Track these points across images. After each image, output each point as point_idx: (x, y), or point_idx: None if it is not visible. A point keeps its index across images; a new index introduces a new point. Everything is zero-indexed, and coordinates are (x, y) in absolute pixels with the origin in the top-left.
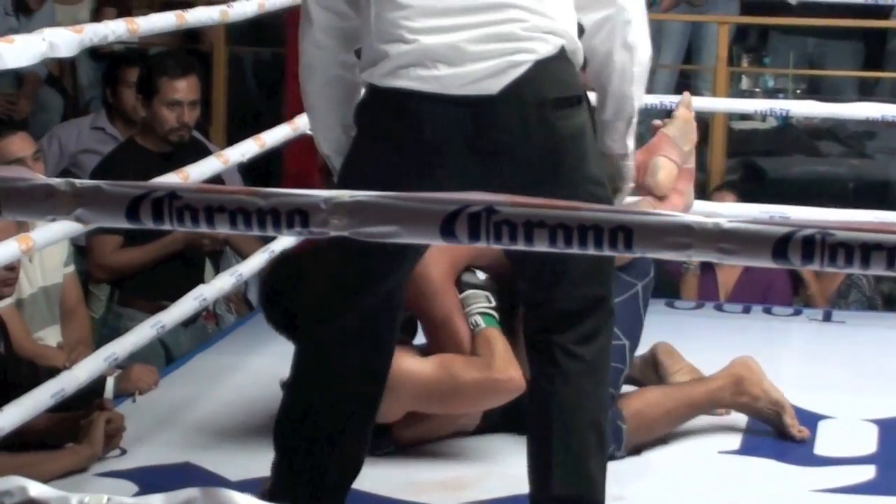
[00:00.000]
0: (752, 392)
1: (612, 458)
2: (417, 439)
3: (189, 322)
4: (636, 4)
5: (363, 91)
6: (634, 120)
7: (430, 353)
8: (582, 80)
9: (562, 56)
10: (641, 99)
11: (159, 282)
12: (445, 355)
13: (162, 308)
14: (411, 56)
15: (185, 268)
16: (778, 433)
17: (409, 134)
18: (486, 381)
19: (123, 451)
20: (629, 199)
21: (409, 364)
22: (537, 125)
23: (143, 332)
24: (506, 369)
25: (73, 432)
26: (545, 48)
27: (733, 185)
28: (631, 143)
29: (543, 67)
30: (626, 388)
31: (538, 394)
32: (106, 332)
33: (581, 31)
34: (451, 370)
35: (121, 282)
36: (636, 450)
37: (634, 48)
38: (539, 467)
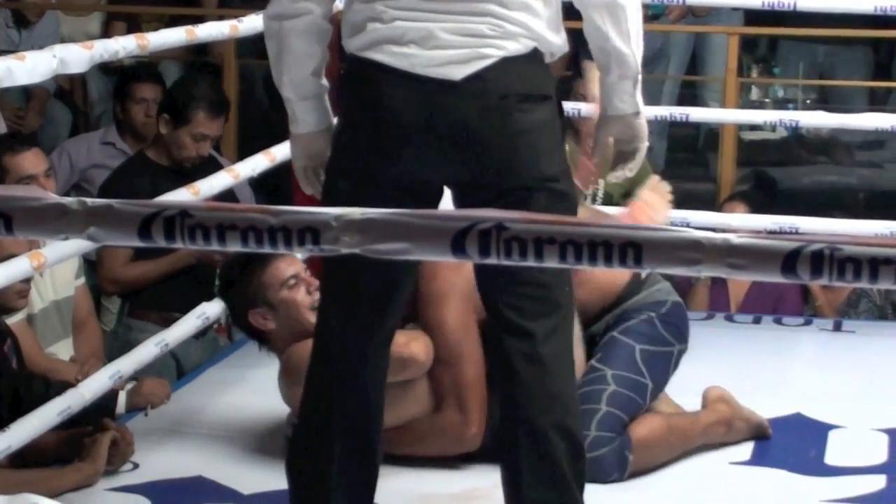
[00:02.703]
0: (738, 427)
1: (615, 481)
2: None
3: (200, 335)
4: None
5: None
6: (639, 78)
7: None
8: (553, 79)
9: (532, 56)
10: (640, 54)
11: (170, 294)
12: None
13: (173, 320)
14: (386, 32)
15: (196, 281)
16: None
17: (379, 105)
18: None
19: (136, 465)
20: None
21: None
22: (495, 116)
23: (147, 350)
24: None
25: (80, 449)
26: (514, 47)
27: (745, 195)
28: (640, 100)
29: (510, 64)
30: None
31: (503, 403)
32: (118, 344)
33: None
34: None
35: (132, 295)
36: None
37: (625, 7)
38: (511, 475)
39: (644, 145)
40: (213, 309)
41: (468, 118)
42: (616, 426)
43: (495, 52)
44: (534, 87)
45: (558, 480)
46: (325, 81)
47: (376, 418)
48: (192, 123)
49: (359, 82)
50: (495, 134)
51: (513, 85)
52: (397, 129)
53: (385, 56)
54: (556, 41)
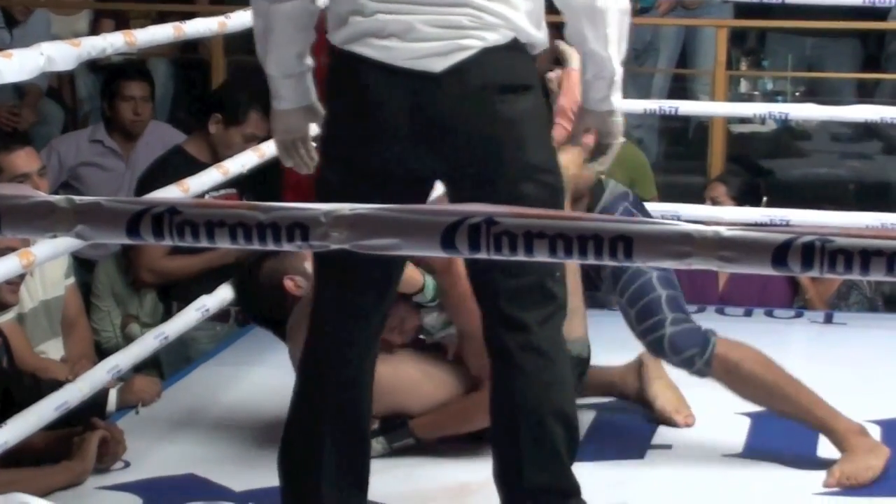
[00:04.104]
0: (871, 450)
1: (692, 363)
2: (435, 434)
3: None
4: None
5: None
6: (617, 78)
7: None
8: (535, 71)
9: (513, 46)
10: (621, 55)
11: (204, 291)
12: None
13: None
14: (368, 25)
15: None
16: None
17: (363, 98)
18: None
19: (127, 464)
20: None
21: (431, 366)
22: (477, 107)
23: (146, 344)
24: None
25: (70, 448)
26: (494, 37)
27: (723, 177)
28: (616, 99)
29: (490, 54)
30: None
31: (501, 392)
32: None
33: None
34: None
35: (167, 289)
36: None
37: (605, 11)
38: (509, 464)
39: (617, 142)
40: (212, 301)
41: (450, 110)
42: (683, 307)
43: (475, 42)
44: (515, 78)
45: (557, 465)
46: (309, 60)
47: (367, 408)
48: (246, 124)
49: (343, 75)
50: (477, 125)
51: (493, 75)
52: (381, 122)
53: (367, 49)
54: (537, 34)
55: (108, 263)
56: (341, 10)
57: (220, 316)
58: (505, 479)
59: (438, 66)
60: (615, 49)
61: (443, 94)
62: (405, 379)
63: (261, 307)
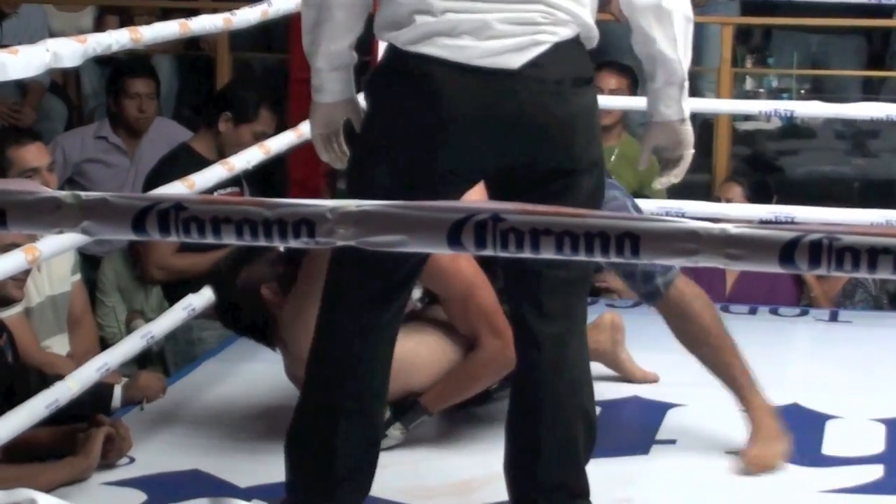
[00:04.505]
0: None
1: (653, 282)
2: (447, 404)
3: None
4: None
5: (383, 51)
6: (685, 84)
7: (461, 331)
8: (592, 64)
9: (577, 41)
10: (688, 60)
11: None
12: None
13: None
14: (438, 26)
15: None
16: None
17: (431, 99)
18: (503, 355)
19: (132, 459)
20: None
21: (426, 338)
22: (555, 100)
23: (134, 343)
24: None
25: (74, 444)
26: (565, 32)
27: (740, 176)
28: (686, 106)
29: (562, 49)
30: None
31: (527, 384)
32: (179, 347)
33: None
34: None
35: (173, 288)
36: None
37: (672, 12)
38: (524, 456)
39: (689, 152)
40: (199, 300)
41: (529, 104)
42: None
43: (548, 38)
44: (583, 71)
45: (574, 464)
46: (355, 54)
47: (383, 396)
48: (257, 122)
49: (407, 76)
50: (554, 117)
51: (566, 69)
52: (456, 121)
53: (437, 49)
54: (596, 29)
55: (115, 259)
56: (403, 11)
57: None
58: (517, 472)
59: (516, 61)
60: (683, 52)
61: (521, 89)
62: (406, 357)
63: (240, 316)
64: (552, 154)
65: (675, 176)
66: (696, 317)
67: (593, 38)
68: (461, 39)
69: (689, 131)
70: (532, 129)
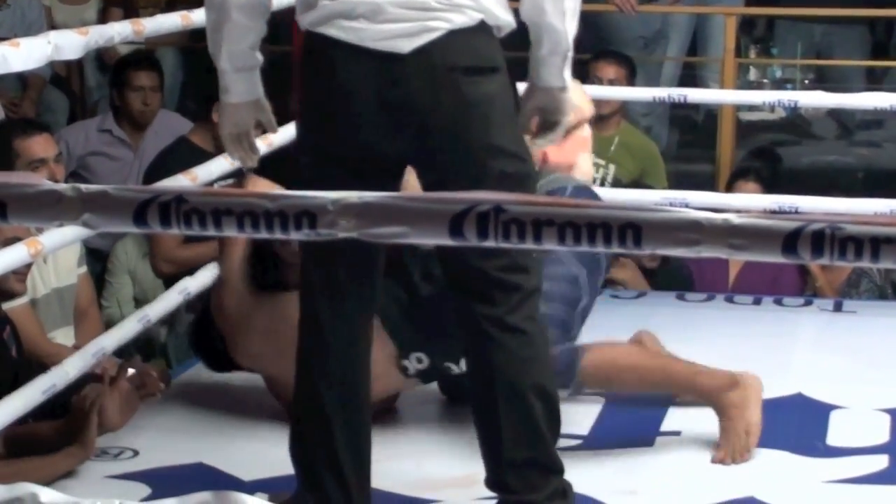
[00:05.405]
0: (743, 407)
1: (563, 387)
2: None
3: None
4: None
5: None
6: (570, 54)
7: None
8: (501, 53)
9: (480, 28)
10: (574, 32)
11: None
12: None
13: None
14: (336, 7)
15: None
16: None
17: (333, 80)
18: None
19: (135, 453)
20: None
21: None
22: (444, 89)
23: (129, 327)
24: None
25: (72, 434)
26: (461, 19)
27: (757, 173)
28: (567, 75)
29: (457, 36)
30: None
31: (478, 368)
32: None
33: None
34: None
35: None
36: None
37: None
38: (489, 438)
39: (566, 118)
40: (194, 283)
41: (417, 91)
42: (559, 322)
43: (442, 24)
44: (481, 60)
45: (537, 439)
46: (259, 55)
47: (368, 385)
48: None
49: (313, 58)
50: (444, 106)
51: (460, 57)
52: (351, 104)
53: (336, 31)
54: (504, 16)
55: (127, 242)
56: None
57: None
58: (487, 453)
59: (406, 46)
60: (571, 24)
61: (409, 75)
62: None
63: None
64: (442, 143)
65: (551, 140)
66: (623, 382)
67: (502, 25)
68: (357, 22)
69: (568, 99)
70: (420, 116)
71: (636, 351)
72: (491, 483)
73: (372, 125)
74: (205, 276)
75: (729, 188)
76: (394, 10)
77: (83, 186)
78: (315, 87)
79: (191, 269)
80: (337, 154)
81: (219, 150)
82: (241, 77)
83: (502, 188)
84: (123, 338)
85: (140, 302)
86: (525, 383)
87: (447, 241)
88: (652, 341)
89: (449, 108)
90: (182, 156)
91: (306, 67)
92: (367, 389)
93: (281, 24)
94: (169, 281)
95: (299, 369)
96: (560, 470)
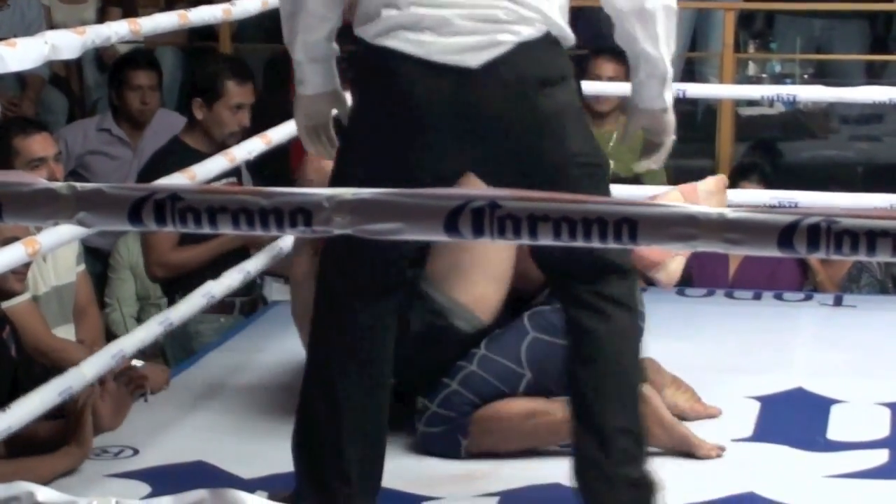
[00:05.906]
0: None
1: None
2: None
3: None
4: None
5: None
6: (668, 76)
7: None
8: (569, 63)
9: (547, 39)
10: (671, 53)
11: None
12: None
13: (225, 305)
14: (401, 19)
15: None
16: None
17: (397, 94)
18: None
19: (135, 451)
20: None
21: None
22: (516, 101)
23: (150, 329)
24: None
25: (69, 434)
26: (528, 31)
27: (761, 170)
28: (668, 97)
29: (526, 49)
30: None
31: (582, 337)
32: (177, 340)
33: None
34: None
35: (178, 280)
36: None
37: (654, 12)
38: (586, 403)
39: (670, 139)
40: (218, 287)
41: (487, 105)
42: (458, 406)
43: (511, 37)
44: (551, 71)
45: (636, 410)
46: (335, 46)
47: (388, 379)
48: (226, 96)
49: (374, 70)
50: (517, 118)
51: (530, 70)
52: (417, 117)
53: (400, 43)
54: (567, 29)
55: (129, 239)
56: (372, 5)
57: (225, 307)
58: (582, 420)
59: (475, 60)
60: (665, 47)
61: (480, 89)
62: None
63: None
64: (516, 155)
65: (655, 162)
66: (510, 443)
67: (567, 37)
68: (423, 34)
69: (671, 120)
70: (491, 129)
71: (520, 413)
72: (584, 458)
73: (439, 139)
74: (232, 279)
75: (730, 188)
76: (462, 22)
77: (78, 185)
78: (374, 100)
79: (185, 273)
80: (395, 167)
81: (211, 147)
82: (316, 68)
83: (578, 189)
84: (145, 340)
85: (142, 299)
86: (627, 354)
87: (443, 237)
88: (657, 370)
89: (525, 121)
90: (175, 156)
91: (365, 80)
92: (386, 381)
93: (275, 22)
94: (165, 284)
95: (310, 370)
96: (647, 440)
